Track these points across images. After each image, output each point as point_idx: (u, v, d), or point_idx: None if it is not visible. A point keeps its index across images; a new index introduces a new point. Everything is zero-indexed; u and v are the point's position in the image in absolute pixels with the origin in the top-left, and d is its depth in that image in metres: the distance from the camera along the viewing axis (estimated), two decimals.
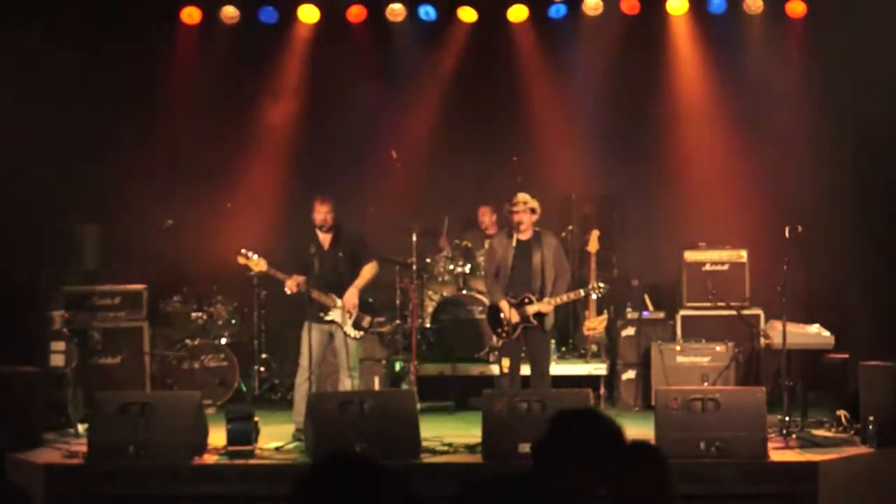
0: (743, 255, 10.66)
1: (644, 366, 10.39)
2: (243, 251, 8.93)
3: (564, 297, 9.18)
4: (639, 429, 8.64)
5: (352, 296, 8.99)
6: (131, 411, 8.06)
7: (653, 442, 8.05)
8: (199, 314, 10.89)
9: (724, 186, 11.34)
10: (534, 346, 9.19)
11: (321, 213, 8.96)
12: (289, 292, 8.94)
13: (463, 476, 7.36)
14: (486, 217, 11.45)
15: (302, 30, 11.70)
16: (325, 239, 9.08)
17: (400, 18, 11.62)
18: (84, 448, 8.15)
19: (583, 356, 10.95)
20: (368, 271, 9.16)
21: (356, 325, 9.03)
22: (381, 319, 10.68)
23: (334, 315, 8.99)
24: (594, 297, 9.78)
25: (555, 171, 11.44)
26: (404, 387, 10.36)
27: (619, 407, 10.46)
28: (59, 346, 9.37)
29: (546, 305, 9.05)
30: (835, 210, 10.44)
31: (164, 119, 11.48)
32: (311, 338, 8.88)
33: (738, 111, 11.46)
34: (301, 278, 8.86)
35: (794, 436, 8.46)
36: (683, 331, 10.53)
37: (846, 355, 9.69)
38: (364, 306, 9.09)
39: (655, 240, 11.53)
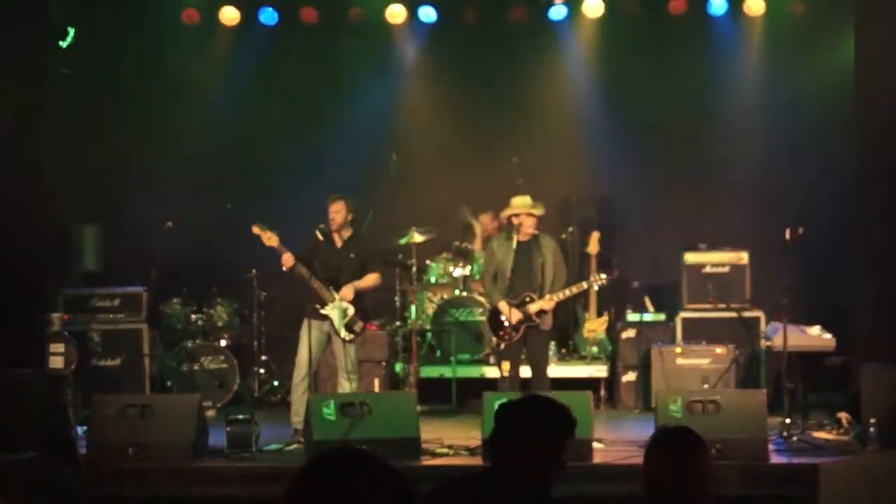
0: (744, 256, 10.63)
1: (644, 368, 10.38)
2: (259, 223, 8.98)
3: (567, 292, 9.19)
4: (639, 431, 8.65)
5: (348, 290, 9.00)
6: (130, 413, 8.06)
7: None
8: (199, 316, 10.87)
9: (724, 188, 11.32)
10: (533, 347, 9.19)
11: (331, 211, 9.03)
12: (284, 267, 8.96)
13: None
14: (488, 224, 11.40)
15: (302, 31, 11.68)
16: (336, 238, 9.12)
17: (400, 20, 11.61)
18: (83, 450, 8.14)
19: (583, 358, 10.94)
20: (371, 279, 9.18)
21: (348, 328, 9.02)
22: (381, 322, 10.67)
23: (329, 310, 8.97)
24: (595, 288, 9.77)
25: (555, 172, 11.42)
26: (404, 389, 10.34)
27: (619, 409, 10.45)
28: (59, 347, 9.34)
29: (548, 302, 9.05)
30: (835, 211, 10.42)
31: (163, 120, 11.47)
32: (310, 338, 8.88)
33: (739, 112, 11.45)
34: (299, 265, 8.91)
35: (794, 438, 8.45)
36: (684, 333, 10.51)
37: (847, 357, 9.67)
38: (360, 311, 9.08)
39: (656, 241, 11.51)
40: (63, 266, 10.81)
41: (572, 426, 3.89)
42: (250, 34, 11.63)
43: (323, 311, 8.97)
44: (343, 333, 9.00)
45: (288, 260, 8.91)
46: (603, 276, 9.49)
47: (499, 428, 3.91)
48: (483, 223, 11.43)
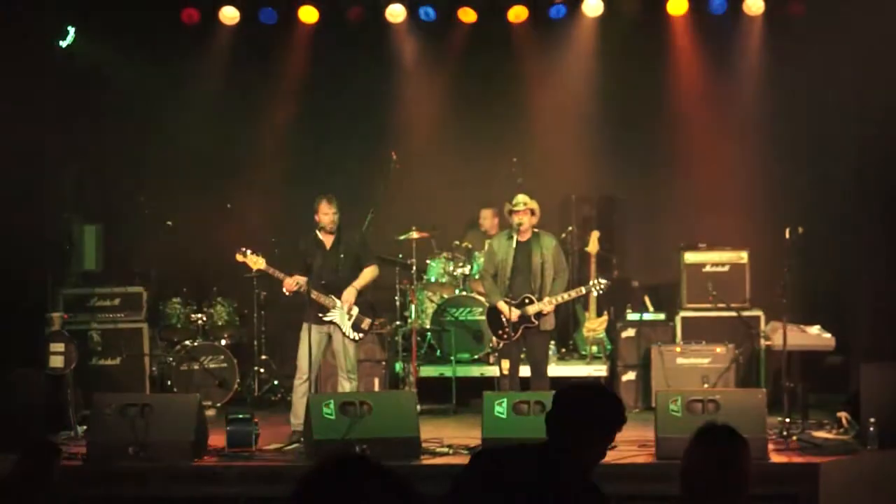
0: (743, 256, 10.63)
1: (644, 367, 10.37)
2: (242, 249, 8.93)
3: (565, 296, 9.17)
4: (639, 430, 8.65)
5: (350, 294, 8.97)
6: (130, 412, 8.06)
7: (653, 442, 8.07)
8: (199, 315, 10.87)
9: (724, 187, 11.31)
10: (533, 346, 9.19)
11: (328, 214, 8.97)
12: (287, 293, 8.93)
13: None
14: (488, 220, 11.43)
15: (302, 30, 11.68)
16: (327, 239, 9.08)
17: (400, 19, 11.61)
18: (83, 449, 8.14)
19: (583, 357, 10.94)
20: (368, 274, 9.14)
21: (355, 327, 9.01)
22: (382, 320, 10.67)
23: (333, 316, 8.97)
24: (595, 293, 9.74)
25: (555, 172, 11.41)
26: (404, 388, 10.34)
27: None
28: (59, 347, 9.36)
29: (547, 305, 9.04)
30: (835, 211, 10.43)
31: (163, 119, 11.48)
32: (309, 339, 8.87)
33: (739, 112, 11.45)
34: (301, 279, 8.86)
35: (794, 437, 8.45)
36: (683, 332, 10.50)
37: (847, 357, 9.68)
38: (365, 308, 9.06)
39: (655, 241, 11.51)
40: (63, 266, 10.82)
41: (624, 420, 4.04)
42: (250, 33, 11.63)
43: (327, 319, 8.95)
44: (352, 334, 8.98)
45: (290, 285, 8.86)
46: (603, 281, 9.43)
47: (556, 410, 4.02)
48: (484, 219, 11.45)
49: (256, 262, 8.91)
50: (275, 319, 11.10)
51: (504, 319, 9.06)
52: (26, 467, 5.62)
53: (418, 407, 8.81)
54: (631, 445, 8.26)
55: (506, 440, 7.76)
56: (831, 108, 10.55)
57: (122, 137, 11.33)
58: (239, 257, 8.95)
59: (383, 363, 10.53)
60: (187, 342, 10.70)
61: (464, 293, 11.02)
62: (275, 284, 9.38)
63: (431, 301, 11.14)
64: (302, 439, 8.47)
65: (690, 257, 10.72)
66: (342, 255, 9.08)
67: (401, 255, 10.80)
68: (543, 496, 3.84)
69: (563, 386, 4.20)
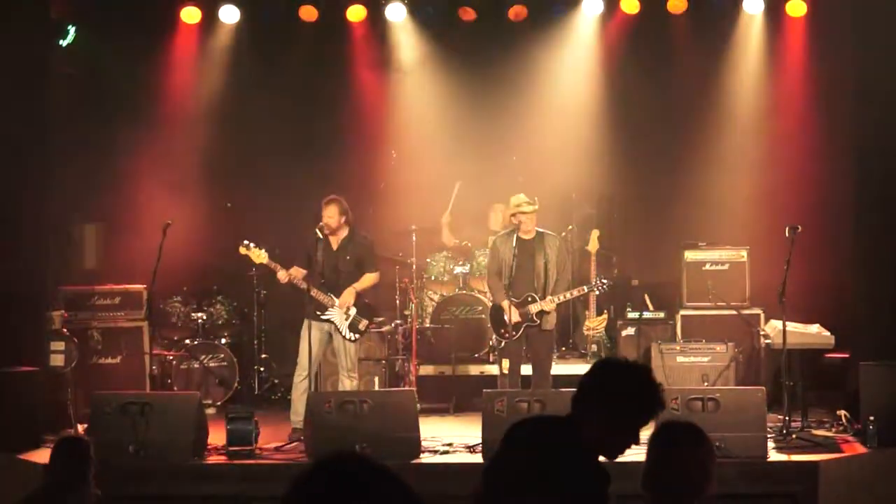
0: (743, 254, 10.63)
1: None
2: (246, 242, 8.98)
3: (567, 295, 9.19)
4: None
5: (348, 295, 9.00)
6: (131, 411, 8.08)
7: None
8: (199, 314, 10.87)
9: (724, 185, 11.32)
10: (535, 345, 9.19)
11: (324, 216, 9.01)
12: (282, 281, 8.96)
13: (463, 476, 7.35)
14: (500, 214, 11.38)
15: (302, 29, 11.68)
16: (332, 239, 9.10)
17: (400, 18, 11.61)
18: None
19: (583, 356, 10.94)
20: (369, 279, 9.20)
21: (352, 328, 9.03)
22: (381, 319, 10.67)
23: (331, 315, 8.99)
24: (597, 293, 9.76)
25: (555, 171, 11.41)
26: (404, 387, 10.34)
27: None
28: (59, 346, 9.37)
29: (548, 304, 9.06)
30: (835, 210, 10.43)
31: (163, 118, 11.48)
32: (310, 336, 8.89)
33: (738, 111, 11.45)
34: (296, 272, 8.90)
35: (794, 436, 8.46)
36: (683, 331, 10.51)
37: (846, 355, 9.68)
38: (362, 310, 9.08)
39: (655, 239, 11.51)
40: (63, 265, 10.82)
41: (662, 406, 3.85)
42: (250, 32, 11.62)
43: (325, 317, 8.98)
44: (348, 335, 9.01)
45: (284, 277, 8.92)
46: (605, 281, 9.44)
47: (585, 378, 3.87)
48: (496, 212, 11.43)
49: (259, 256, 8.98)
50: (275, 318, 11.11)
51: (506, 318, 9.07)
52: (61, 468, 5.62)
53: (418, 405, 8.81)
54: None
55: None
56: (831, 106, 10.55)
57: (121, 136, 11.32)
58: (242, 250, 9.00)
59: (383, 362, 10.54)
60: (187, 341, 10.71)
61: (464, 291, 11.02)
62: (275, 284, 9.43)
63: (431, 299, 11.15)
64: (302, 437, 8.48)
65: (690, 256, 10.73)
66: (347, 257, 9.12)
67: (401, 254, 10.82)
68: (539, 470, 3.73)
69: (603, 362, 4.02)
